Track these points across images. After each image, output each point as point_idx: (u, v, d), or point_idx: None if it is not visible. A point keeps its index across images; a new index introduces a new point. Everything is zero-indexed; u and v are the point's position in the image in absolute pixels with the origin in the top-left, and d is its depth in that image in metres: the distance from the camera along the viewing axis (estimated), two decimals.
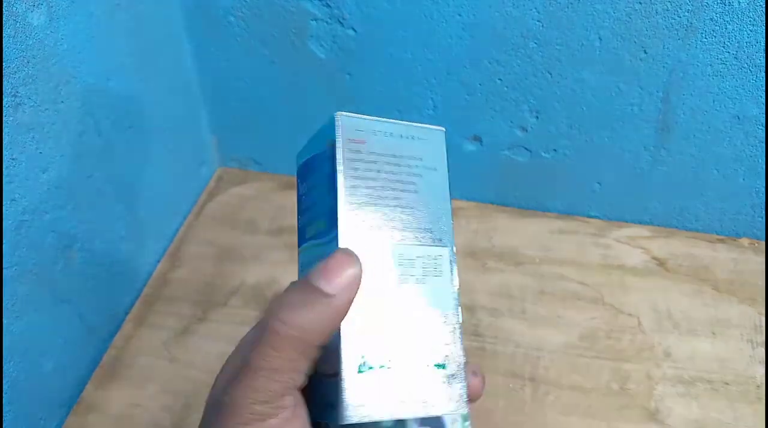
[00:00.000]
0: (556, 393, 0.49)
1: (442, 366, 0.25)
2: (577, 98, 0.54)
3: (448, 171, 0.28)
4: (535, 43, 0.51)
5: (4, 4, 0.36)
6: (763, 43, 0.47)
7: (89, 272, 0.49)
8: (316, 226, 0.26)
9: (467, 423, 0.26)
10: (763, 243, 0.60)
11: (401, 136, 0.27)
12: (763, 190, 0.56)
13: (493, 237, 0.62)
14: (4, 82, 0.37)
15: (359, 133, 0.26)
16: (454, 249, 0.27)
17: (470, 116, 0.58)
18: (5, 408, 0.42)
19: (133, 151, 0.53)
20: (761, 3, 0.45)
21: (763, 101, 0.50)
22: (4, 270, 0.40)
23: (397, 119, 0.27)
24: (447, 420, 0.26)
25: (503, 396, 0.49)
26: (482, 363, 0.51)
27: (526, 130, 0.58)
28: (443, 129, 0.28)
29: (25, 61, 0.39)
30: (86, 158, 0.47)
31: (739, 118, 0.52)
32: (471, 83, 0.55)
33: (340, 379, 0.23)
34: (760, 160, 0.54)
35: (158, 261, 0.60)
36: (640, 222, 0.63)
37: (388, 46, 0.54)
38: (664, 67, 0.50)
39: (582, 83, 0.53)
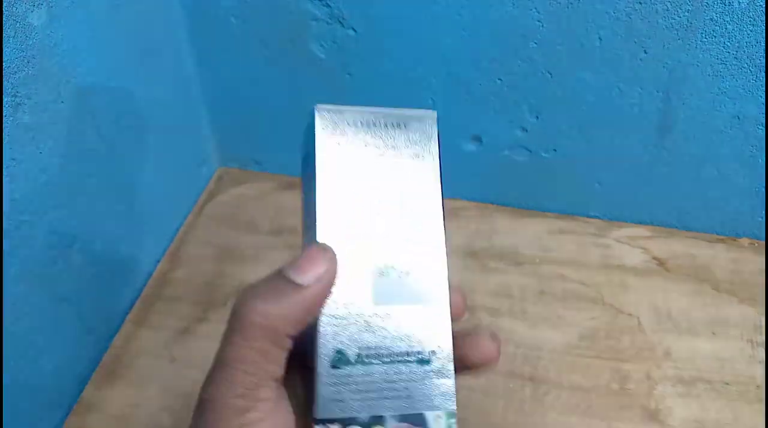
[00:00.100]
0: (556, 393, 0.49)
1: (426, 361, 0.25)
2: (577, 98, 0.54)
3: (440, 157, 0.27)
4: (535, 43, 0.51)
5: (4, 4, 0.36)
6: (763, 43, 0.47)
7: (89, 272, 0.49)
8: (307, 223, 0.26)
9: (453, 421, 0.25)
10: (763, 243, 0.60)
11: (386, 125, 0.26)
12: (763, 190, 0.56)
13: (493, 237, 0.62)
14: (4, 82, 0.37)
15: (339, 125, 0.26)
16: (445, 239, 0.26)
17: (470, 116, 0.58)
18: (5, 408, 0.42)
19: (133, 151, 0.53)
20: (761, 3, 0.45)
21: (763, 101, 0.50)
22: (4, 270, 0.40)
23: (384, 107, 0.26)
24: (429, 417, 0.25)
25: (503, 396, 0.49)
26: None
27: (526, 130, 0.58)
28: (434, 112, 0.27)
29: (25, 61, 0.39)
30: (86, 158, 0.47)
31: (739, 118, 0.52)
32: (471, 83, 0.55)
33: (316, 374, 0.24)
34: (760, 160, 0.54)
35: (158, 261, 0.60)
36: (640, 222, 0.63)
37: (388, 46, 0.54)
38: (664, 67, 0.50)
39: (582, 83, 0.53)
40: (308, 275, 0.23)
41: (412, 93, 0.57)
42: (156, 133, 0.56)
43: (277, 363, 0.23)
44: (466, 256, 0.59)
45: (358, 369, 0.24)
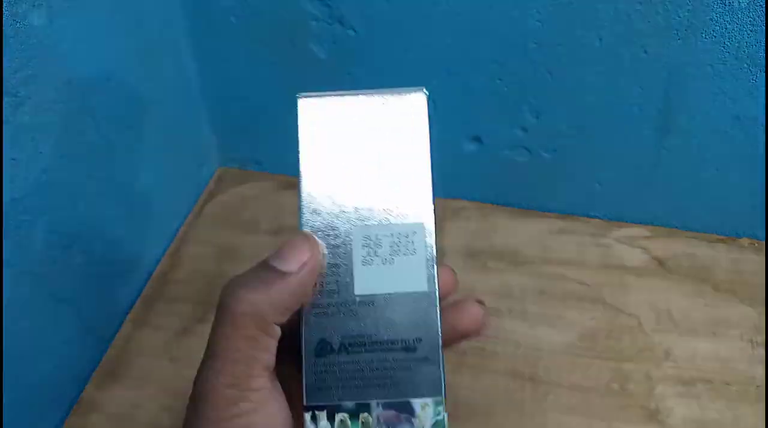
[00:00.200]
0: (556, 393, 0.49)
1: (412, 349, 0.25)
2: (577, 98, 0.54)
3: (430, 138, 0.26)
4: (535, 43, 0.51)
5: (5, 4, 0.36)
6: (763, 43, 0.47)
7: (89, 272, 0.49)
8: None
9: (440, 408, 0.24)
10: (763, 243, 0.60)
11: (373, 109, 0.26)
12: (763, 190, 0.56)
13: (493, 237, 0.62)
14: (4, 82, 0.37)
15: (324, 113, 0.26)
16: (433, 224, 0.26)
17: (470, 116, 0.58)
18: (5, 408, 0.42)
19: (134, 150, 0.53)
20: (761, 3, 0.45)
21: (763, 101, 0.50)
22: (4, 270, 0.40)
23: (371, 89, 0.26)
24: (416, 405, 0.25)
25: (503, 396, 0.49)
26: (482, 363, 0.51)
27: (526, 130, 0.58)
28: (424, 90, 0.26)
29: (25, 61, 0.39)
30: (86, 158, 0.47)
31: (739, 118, 0.52)
32: (471, 83, 0.55)
33: (302, 362, 0.24)
34: (760, 160, 0.54)
35: (158, 262, 0.60)
36: (640, 222, 0.63)
37: (388, 46, 0.54)
38: (664, 67, 0.50)
39: (582, 83, 0.53)
40: (292, 262, 0.23)
41: None
42: (156, 132, 0.56)
43: (267, 351, 0.23)
44: (466, 256, 0.59)
45: (343, 357, 0.24)
